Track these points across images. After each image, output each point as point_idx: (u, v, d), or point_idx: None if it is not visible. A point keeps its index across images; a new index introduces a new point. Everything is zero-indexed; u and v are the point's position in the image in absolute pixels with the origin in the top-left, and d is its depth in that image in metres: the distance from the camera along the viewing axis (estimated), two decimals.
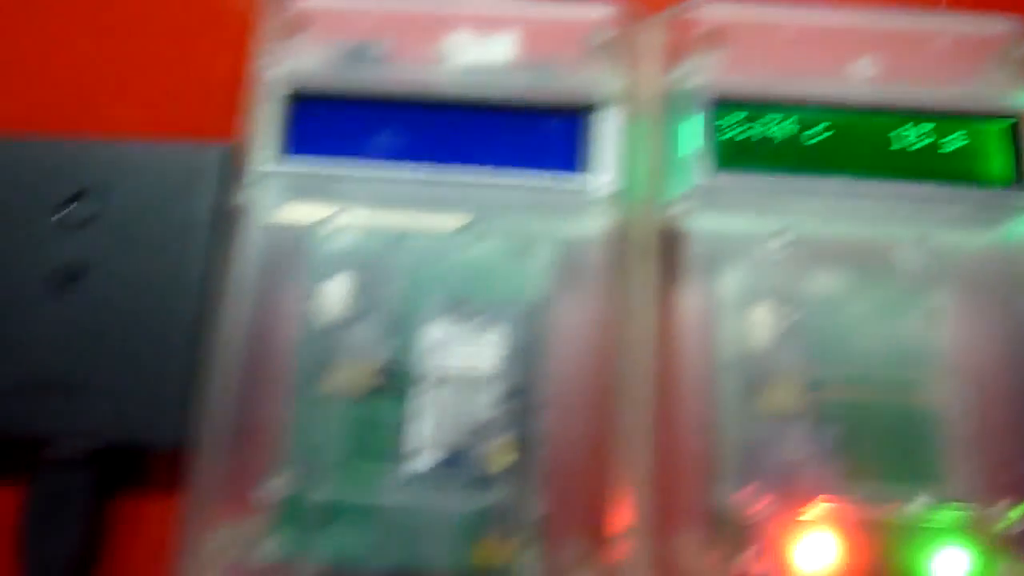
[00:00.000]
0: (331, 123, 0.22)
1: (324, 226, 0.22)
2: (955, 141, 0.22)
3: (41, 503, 0.21)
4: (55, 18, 0.27)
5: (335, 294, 0.21)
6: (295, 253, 0.22)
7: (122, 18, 0.27)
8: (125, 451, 0.22)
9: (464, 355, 0.21)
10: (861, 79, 0.22)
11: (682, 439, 0.20)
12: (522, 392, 0.20)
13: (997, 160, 0.22)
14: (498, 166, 0.22)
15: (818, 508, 0.20)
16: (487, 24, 0.23)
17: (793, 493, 0.20)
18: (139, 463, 0.22)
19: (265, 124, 0.22)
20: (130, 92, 0.26)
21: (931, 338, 0.21)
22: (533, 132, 0.22)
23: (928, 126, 0.22)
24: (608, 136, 0.22)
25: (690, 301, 0.21)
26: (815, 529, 0.19)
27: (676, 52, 0.23)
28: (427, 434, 0.20)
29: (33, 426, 0.21)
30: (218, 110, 0.24)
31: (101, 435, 0.21)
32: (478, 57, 0.23)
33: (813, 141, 0.22)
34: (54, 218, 0.22)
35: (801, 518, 0.20)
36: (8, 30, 0.27)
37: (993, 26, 0.23)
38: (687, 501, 0.20)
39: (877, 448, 0.20)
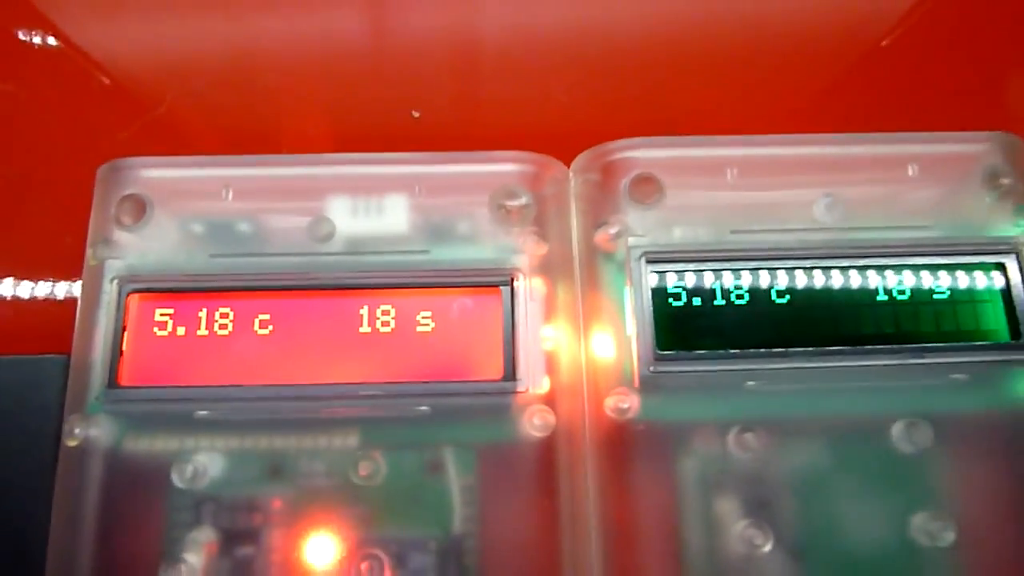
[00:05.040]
0: (185, 328, 0.18)
1: (182, 461, 0.18)
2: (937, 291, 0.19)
3: None
4: None
5: (200, 547, 0.17)
6: (148, 495, 0.17)
7: None
8: None
9: None
10: (818, 223, 0.19)
11: None
12: None
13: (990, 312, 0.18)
14: (400, 368, 0.18)
15: None
16: (374, 186, 0.19)
17: None
18: None
19: (101, 334, 0.18)
20: None
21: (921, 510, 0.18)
22: (439, 319, 0.18)
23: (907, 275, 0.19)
24: (528, 316, 0.18)
25: (643, 496, 0.18)
26: None
27: (601, 205, 0.19)
28: None
29: None
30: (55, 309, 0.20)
31: None
32: (367, 227, 0.19)
33: (766, 308, 0.18)
34: None
35: None
36: None
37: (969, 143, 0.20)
38: None
39: None
